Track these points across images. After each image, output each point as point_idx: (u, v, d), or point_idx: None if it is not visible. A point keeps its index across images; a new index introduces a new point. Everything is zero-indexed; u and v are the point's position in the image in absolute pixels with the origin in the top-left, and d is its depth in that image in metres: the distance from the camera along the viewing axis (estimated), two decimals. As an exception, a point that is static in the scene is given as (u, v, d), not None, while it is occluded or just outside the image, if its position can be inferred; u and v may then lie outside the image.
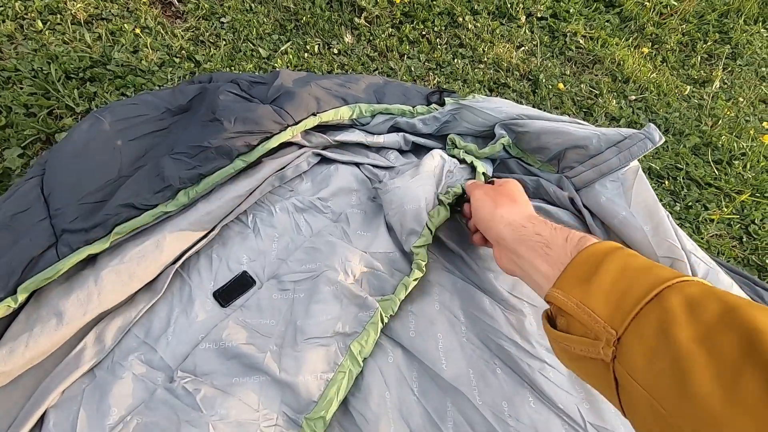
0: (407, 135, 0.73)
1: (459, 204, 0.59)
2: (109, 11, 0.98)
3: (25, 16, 0.89)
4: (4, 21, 0.86)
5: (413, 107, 0.76)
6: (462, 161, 0.68)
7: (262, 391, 0.43)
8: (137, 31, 0.94)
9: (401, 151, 0.72)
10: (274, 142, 0.59)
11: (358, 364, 0.47)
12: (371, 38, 1.17)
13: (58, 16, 0.92)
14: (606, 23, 1.55)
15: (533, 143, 0.73)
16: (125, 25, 0.95)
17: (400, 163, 0.69)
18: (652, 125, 0.64)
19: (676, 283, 0.27)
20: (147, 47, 0.91)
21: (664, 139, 0.62)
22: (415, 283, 0.53)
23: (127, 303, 0.47)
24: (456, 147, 0.72)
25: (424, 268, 0.54)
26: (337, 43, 1.11)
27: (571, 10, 1.52)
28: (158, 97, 0.66)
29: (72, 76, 0.81)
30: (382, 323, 0.50)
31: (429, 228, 0.54)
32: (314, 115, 0.65)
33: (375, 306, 0.50)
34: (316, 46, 1.07)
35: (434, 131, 0.76)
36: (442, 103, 0.78)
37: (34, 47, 0.84)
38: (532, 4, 1.50)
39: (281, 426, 0.42)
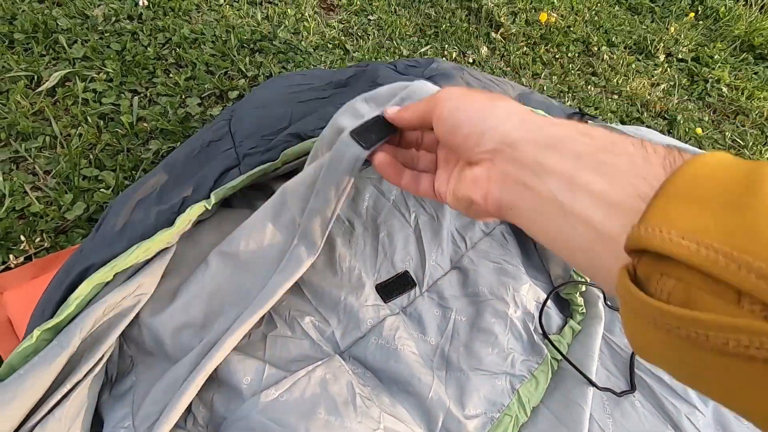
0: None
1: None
2: (277, -4, 1.09)
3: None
4: (194, -8, 0.99)
5: (556, 120, 0.76)
6: None
7: (416, 407, 0.42)
8: (298, 15, 1.04)
9: None
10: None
11: (525, 413, 0.45)
12: (505, 53, 1.18)
13: (236, -6, 1.04)
14: (753, 75, 1.44)
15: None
16: (288, 10, 1.06)
17: None
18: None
19: None
20: (306, 31, 1.00)
21: None
22: (580, 327, 0.52)
23: None
24: None
25: (582, 313, 0.54)
26: (472, 53, 1.14)
27: (715, 57, 1.44)
28: (324, 73, 0.73)
29: (244, 45, 0.91)
30: (552, 370, 0.48)
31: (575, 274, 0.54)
32: (466, 103, 0.67)
33: (544, 352, 0.49)
34: (454, 53, 1.11)
35: (573, 149, 0.75)
36: (584, 122, 0.77)
37: (215, 17, 0.95)
38: (674, 45, 1.43)
39: None
